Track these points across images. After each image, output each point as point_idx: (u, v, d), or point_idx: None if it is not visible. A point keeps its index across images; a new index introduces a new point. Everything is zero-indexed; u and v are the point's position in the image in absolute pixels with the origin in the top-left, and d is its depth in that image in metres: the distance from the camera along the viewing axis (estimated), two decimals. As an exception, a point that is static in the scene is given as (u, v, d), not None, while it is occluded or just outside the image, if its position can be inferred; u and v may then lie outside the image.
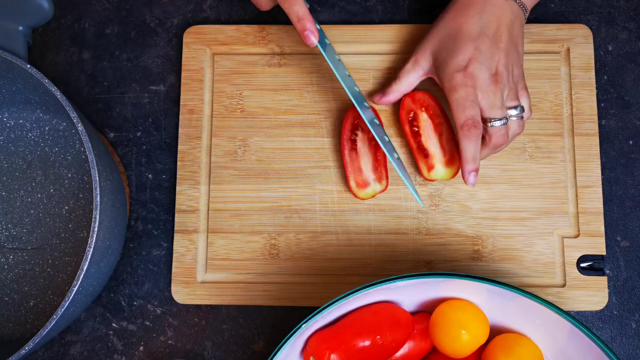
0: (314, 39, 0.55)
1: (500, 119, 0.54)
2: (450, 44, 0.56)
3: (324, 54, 0.57)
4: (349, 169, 0.60)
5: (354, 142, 0.61)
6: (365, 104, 0.58)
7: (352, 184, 0.60)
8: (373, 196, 0.61)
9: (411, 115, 0.61)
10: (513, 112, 0.56)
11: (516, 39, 0.56)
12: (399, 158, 0.58)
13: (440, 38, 0.57)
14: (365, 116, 0.56)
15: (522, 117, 0.56)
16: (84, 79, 0.66)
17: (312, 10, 0.60)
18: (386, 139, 0.57)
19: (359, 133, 0.61)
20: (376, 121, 0.58)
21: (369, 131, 0.61)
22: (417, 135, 0.61)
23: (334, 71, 0.57)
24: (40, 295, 0.61)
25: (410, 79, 0.60)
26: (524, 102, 0.57)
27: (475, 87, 0.54)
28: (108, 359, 0.61)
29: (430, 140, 0.61)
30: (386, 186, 0.60)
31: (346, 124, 0.61)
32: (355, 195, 0.60)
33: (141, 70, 0.66)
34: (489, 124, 0.54)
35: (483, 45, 0.54)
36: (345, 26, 0.64)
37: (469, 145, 0.54)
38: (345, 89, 0.56)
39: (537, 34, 0.63)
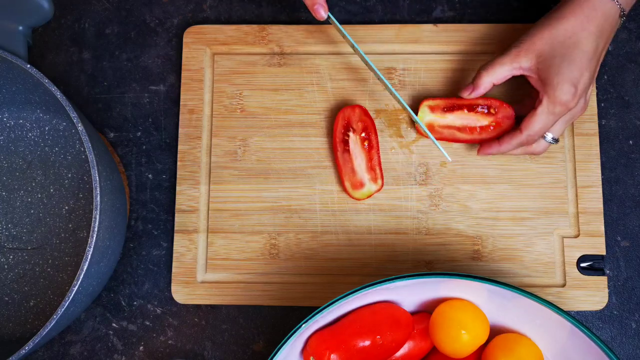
0: (323, 12, 0.55)
1: (553, 138, 0.57)
2: (567, 53, 0.53)
3: (336, 23, 0.57)
4: (343, 171, 0.60)
5: (346, 144, 0.61)
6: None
7: (347, 185, 0.60)
8: (369, 196, 0.61)
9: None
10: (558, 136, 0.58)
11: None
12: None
13: (553, 42, 0.54)
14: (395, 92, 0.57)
15: (557, 142, 0.58)
16: (84, 79, 0.66)
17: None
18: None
19: (351, 134, 0.61)
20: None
21: (361, 132, 0.61)
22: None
23: (347, 36, 0.57)
24: (40, 295, 0.61)
25: (505, 71, 0.56)
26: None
27: (570, 109, 0.54)
28: (108, 358, 0.61)
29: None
30: (381, 186, 0.60)
31: (337, 125, 0.61)
32: (351, 196, 0.60)
33: (141, 70, 0.66)
34: (544, 136, 0.57)
35: (592, 67, 0.54)
36: (345, 26, 0.64)
37: (514, 146, 0.57)
38: (362, 54, 0.58)
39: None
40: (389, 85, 0.57)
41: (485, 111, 0.59)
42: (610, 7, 0.53)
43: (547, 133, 0.56)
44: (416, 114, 0.60)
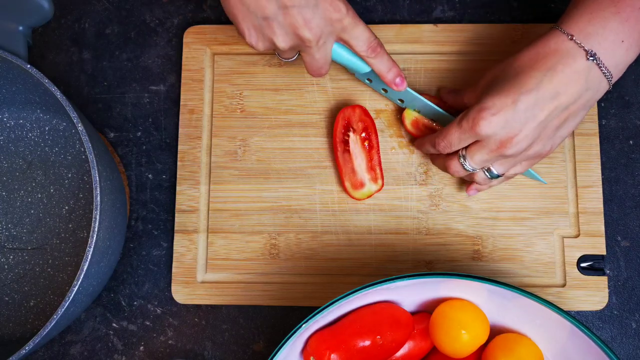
0: (404, 85, 0.56)
1: (496, 175, 0.53)
2: (503, 76, 0.50)
3: (414, 94, 0.58)
4: (343, 171, 0.60)
5: (346, 144, 0.61)
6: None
7: (348, 185, 0.60)
8: (369, 196, 0.61)
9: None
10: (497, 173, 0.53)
11: (573, 119, 0.49)
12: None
13: (495, 72, 0.52)
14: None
15: (497, 178, 0.54)
16: (84, 79, 0.66)
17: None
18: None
19: (351, 134, 0.61)
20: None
21: (361, 132, 0.61)
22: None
23: (429, 104, 0.58)
24: (40, 295, 0.61)
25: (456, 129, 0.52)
26: (516, 170, 0.54)
27: (475, 132, 0.49)
28: (108, 359, 0.61)
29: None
30: (382, 186, 0.60)
31: (337, 125, 0.61)
32: (351, 196, 0.60)
33: (141, 70, 0.66)
34: (485, 171, 0.53)
35: (523, 104, 0.47)
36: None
37: (424, 144, 0.57)
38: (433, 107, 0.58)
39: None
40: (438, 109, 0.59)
41: None
42: (571, 47, 0.47)
43: (465, 157, 0.51)
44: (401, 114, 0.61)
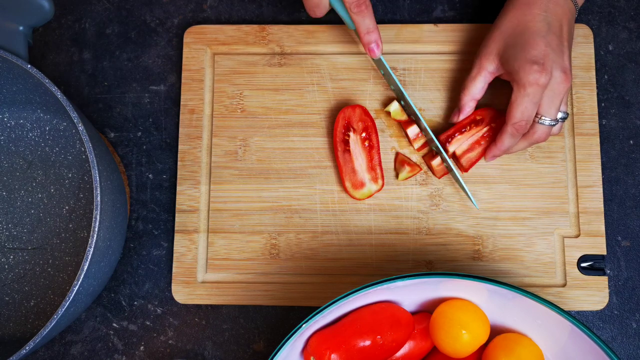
0: (378, 52, 0.58)
1: (552, 119, 0.55)
2: (520, 40, 0.55)
3: (385, 65, 0.59)
4: (344, 170, 0.60)
5: (346, 144, 0.61)
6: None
7: (348, 185, 0.60)
8: (369, 196, 0.61)
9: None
10: (560, 114, 0.56)
11: (572, 37, 0.57)
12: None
13: (505, 37, 0.56)
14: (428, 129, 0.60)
15: (563, 121, 0.57)
16: (84, 79, 0.66)
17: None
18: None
19: (351, 134, 0.61)
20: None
21: (362, 132, 0.61)
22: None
23: (397, 82, 0.60)
24: (40, 295, 0.61)
25: (479, 84, 0.59)
26: (565, 107, 0.58)
27: (546, 86, 0.53)
28: (108, 358, 0.61)
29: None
30: (382, 185, 0.60)
31: (337, 125, 0.61)
32: (351, 196, 0.60)
33: (141, 70, 0.66)
34: (539, 120, 0.55)
35: (553, 42, 0.54)
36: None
37: (509, 141, 0.56)
38: (412, 105, 0.60)
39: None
40: (431, 134, 0.60)
41: (474, 125, 0.61)
42: None
43: (541, 117, 0.55)
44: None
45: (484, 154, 0.60)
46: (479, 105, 0.61)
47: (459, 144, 0.60)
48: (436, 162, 0.60)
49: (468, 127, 0.61)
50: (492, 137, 0.60)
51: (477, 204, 0.61)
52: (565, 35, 0.55)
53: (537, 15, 0.55)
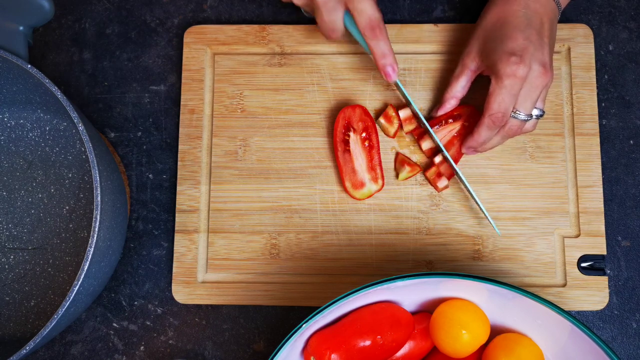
0: (394, 76, 0.58)
1: (526, 114, 0.55)
2: (499, 34, 0.55)
3: (402, 88, 0.60)
4: (344, 170, 0.60)
5: (346, 144, 0.61)
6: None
7: (348, 184, 0.60)
8: (370, 196, 0.61)
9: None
10: (536, 111, 0.56)
11: (554, 35, 0.57)
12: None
13: (485, 33, 0.57)
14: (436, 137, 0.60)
15: (538, 118, 0.57)
16: (84, 79, 0.66)
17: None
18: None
19: (351, 134, 0.61)
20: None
21: (362, 132, 0.61)
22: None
23: (413, 106, 0.60)
24: (41, 295, 0.61)
25: (461, 82, 0.59)
26: (542, 105, 0.57)
27: (524, 79, 0.53)
28: (109, 358, 0.61)
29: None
30: (382, 185, 0.60)
31: (337, 125, 0.61)
32: (351, 196, 0.60)
33: (142, 70, 0.66)
34: (513, 114, 0.55)
35: (532, 36, 0.54)
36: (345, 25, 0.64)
37: (485, 133, 0.56)
38: (427, 125, 0.60)
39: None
40: (438, 141, 0.60)
41: (452, 120, 0.61)
42: None
43: (515, 110, 0.54)
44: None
45: (460, 153, 0.61)
46: (462, 102, 0.62)
47: (441, 136, 0.61)
48: (441, 184, 0.60)
49: (443, 122, 0.61)
50: (467, 133, 0.60)
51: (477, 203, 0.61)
52: (546, 32, 0.55)
53: (517, 11, 0.55)
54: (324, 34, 0.57)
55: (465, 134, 0.60)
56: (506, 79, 0.53)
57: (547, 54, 0.54)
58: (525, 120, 0.55)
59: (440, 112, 0.61)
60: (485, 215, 0.59)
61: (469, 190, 0.60)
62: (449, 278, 0.50)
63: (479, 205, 0.59)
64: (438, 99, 0.63)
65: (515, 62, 0.52)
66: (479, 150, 0.59)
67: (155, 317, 0.62)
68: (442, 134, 0.61)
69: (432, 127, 0.61)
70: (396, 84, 0.60)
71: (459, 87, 0.60)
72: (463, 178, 0.60)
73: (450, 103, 0.61)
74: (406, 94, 0.60)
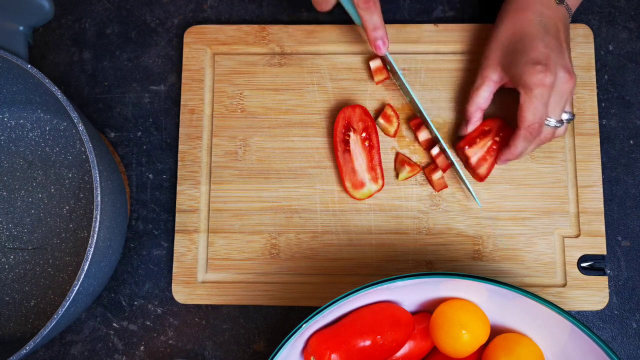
0: (384, 49, 0.58)
1: (557, 120, 0.55)
2: (518, 46, 0.55)
3: (391, 61, 0.60)
4: (344, 170, 0.60)
5: (346, 144, 0.61)
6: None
7: (348, 184, 0.60)
8: (370, 196, 0.61)
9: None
10: (565, 116, 0.56)
11: (569, 39, 0.57)
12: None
13: (504, 45, 0.57)
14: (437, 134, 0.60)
15: (568, 122, 0.57)
16: (84, 79, 0.66)
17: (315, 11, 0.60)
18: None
19: (352, 134, 0.61)
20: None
21: (362, 132, 0.61)
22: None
23: (403, 80, 0.60)
24: (41, 295, 0.61)
25: (483, 94, 0.59)
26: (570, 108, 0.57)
27: (552, 86, 0.53)
28: (109, 358, 0.61)
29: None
30: (382, 185, 0.60)
31: (338, 125, 0.61)
32: (351, 196, 0.60)
33: (142, 70, 0.66)
34: (545, 122, 0.55)
35: (551, 43, 0.54)
36: (346, 26, 0.64)
37: (523, 144, 0.56)
38: (417, 102, 0.60)
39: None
40: (441, 139, 0.60)
41: (484, 134, 0.61)
42: None
43: (547, 119, 0.55)
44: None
45: (494, 162, 0.60)
46: (486, 117, 0.61)
47: (474, 153, 0.60)
48: (436, 176, 0.60)
49: (477, 140, 0.60)
50: (501, 147, 0.59)
51: (479, 203, 0.61)
52: (562, 37, 0.55)
53: (532, 20, 0.55)
54: (315, 4, 0.57)
55: (499, 148, 0.59)
56: (535, 89, 0.53)
57: (567, 59, 0.55)
58: (557, 127, 0.55)
59: (470, 128, 0.60)
60: (467, 187, 0.60)
61: (458, 174, 0.60)
62: (449, 278, 0.50)
63: (463, 179, 0.60)
64: (438, 99, 0.63)
65: (541, 70, 0.52)
66: (512, 160, 0.58)
67: (155, 317, 0.62)
68: (475, 152, 0.60)
69: (463, 147, 0.60)
70: (386, 57, 0.60)
71: (482, 99, 0.59)
72: (457, 166, 0.60)
73: (476, 116, 0.60)
74: (397, 69, 0.60)
